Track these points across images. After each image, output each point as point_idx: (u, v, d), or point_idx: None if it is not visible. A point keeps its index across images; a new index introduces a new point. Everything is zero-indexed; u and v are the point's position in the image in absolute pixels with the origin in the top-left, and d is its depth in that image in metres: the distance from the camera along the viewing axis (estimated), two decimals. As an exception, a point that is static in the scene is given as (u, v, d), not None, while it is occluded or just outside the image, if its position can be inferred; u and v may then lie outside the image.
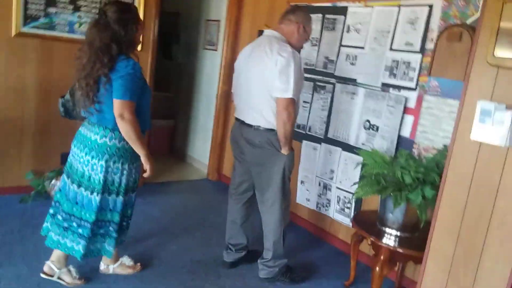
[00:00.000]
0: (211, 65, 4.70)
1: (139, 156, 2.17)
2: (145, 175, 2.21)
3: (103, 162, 2.10)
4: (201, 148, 4.86)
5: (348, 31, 3.12)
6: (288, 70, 2.32)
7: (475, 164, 1.73)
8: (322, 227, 3.37)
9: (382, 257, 2.22)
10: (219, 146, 4.50)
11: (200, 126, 4.94)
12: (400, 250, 2.16)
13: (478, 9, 2.34)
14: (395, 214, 2.28)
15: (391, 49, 2.81)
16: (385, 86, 2.85)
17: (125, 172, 2.17)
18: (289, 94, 2.33)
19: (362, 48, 3.00)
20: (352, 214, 3.07)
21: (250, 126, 2.50)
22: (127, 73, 2.01)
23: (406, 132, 2.72)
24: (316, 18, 3.26)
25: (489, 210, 1.68)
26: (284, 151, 2.46)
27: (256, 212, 2.71)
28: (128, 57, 2.07)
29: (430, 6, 2.59)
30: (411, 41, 2.70)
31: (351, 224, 3.08)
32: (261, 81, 2.40)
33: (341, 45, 3.16)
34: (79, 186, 2.17)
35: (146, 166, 2.16)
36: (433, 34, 2.57)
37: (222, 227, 2.93)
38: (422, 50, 2.63)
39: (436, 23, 2.56)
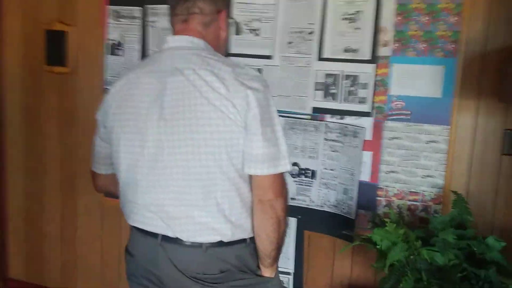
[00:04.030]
0: None
1: None
2: None
3: None
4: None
5: (239, 32, 2.03)
6: (270, 115, 1.13)
7: None
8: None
9: None
10: (-5, 234, 2.60)
11: None
12: None
13: None
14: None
15: (320, 58, 1.93)
16: (319, 112, 1.96)
17: None
18: (285, 165, 1.15)
19: (269, 58, 1.99)
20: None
21: (193, 245, 1.16)
22: None
23: (363, 175, 1.92)
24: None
25: None
26: (270, 272, 1.25)
27: None
28: None
29: (377, -5, 1.83)
30: (353, 46, 1.88)
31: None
32: (210, 146, 1.11)
33: (228, 53, 2.05)
34: None
35: None
36: (387, 35, 1.84)
37: None
38: (374, 58, 1.86)
39: (389, 20, 1.83)
